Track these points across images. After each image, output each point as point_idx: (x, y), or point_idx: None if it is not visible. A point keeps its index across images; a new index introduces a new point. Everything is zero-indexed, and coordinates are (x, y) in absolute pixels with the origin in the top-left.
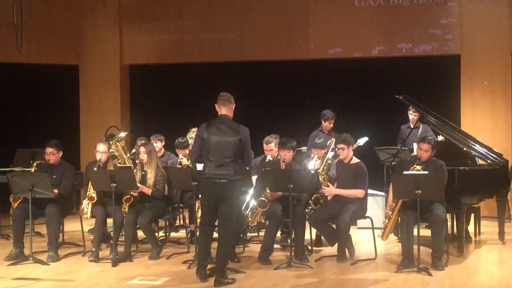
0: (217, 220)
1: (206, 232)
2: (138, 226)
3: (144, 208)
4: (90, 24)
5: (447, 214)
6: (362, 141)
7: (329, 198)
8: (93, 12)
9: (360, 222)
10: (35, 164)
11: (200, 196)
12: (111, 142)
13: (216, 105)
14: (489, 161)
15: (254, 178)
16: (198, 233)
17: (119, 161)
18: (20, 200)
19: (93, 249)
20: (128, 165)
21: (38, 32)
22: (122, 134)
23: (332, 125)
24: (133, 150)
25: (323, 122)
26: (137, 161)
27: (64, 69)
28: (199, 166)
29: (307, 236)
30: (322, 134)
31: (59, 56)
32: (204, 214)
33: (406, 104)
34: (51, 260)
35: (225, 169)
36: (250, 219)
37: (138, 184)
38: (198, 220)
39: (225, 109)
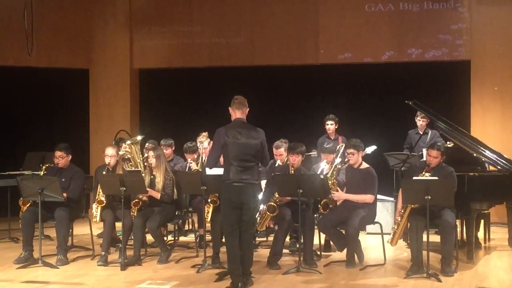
0: (241, 228)
1: (235, 239)
2: (147, 230)
3: (153, 212)
4: (100, 28)
5: (457, 220)
6: (370, 149)
7: (338, 203)
8: (103, 16)
9: (369, 228)
10: (44, 167)
11: (220, 201)
12: (126, 144)
13: (230, 108)
14: (499, 167)
15: (263, 182)
16: (228, 243)
17: (131, 163)
18: (29, 204)
19: (102, 252)
20: (138, 168)
21: (49, 36)
22: (138, 138)
23: (333, 127)
24: (146, 155)
25: (326, 126)
26: (145, 163)
27: (74, 73)
28: (208, 171)
29: (316, 241)
30: (328, 140)
31: (69, 60)
32: (229, 220)
33: (416, 110)
34: (60, 263)
35: (249, 173)
36: (259, 224)
37: (147, 188)
38: (208, 225)
39: (239, 113)
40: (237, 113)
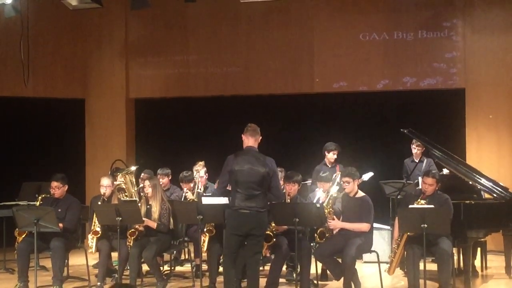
0: (247, 254)
1: (232, 262)
2: (143, 260)
3: (149, 242)
4: (96, 58)
5: (453, 248)
6: (366, 176)
7: (334, 232)
8: (100, 46)
9: (366, 256)
10: (40, 197)
11: (226, 228)
12: (120, 174)
13: (243, 135)
14: (495, 195)
15: None
16: (224, 264)
17: (126, 194)
18: (25, 234)
19: (98, 283)
20: (133, 198)
21: (45, 66)
22: (133, 168)
23: (335, 156)
24: (141, 185)
25: (326, 154)
26: (141, 193)
27: (70, 103)
28: (204, 200)
29: (312, 270)
30: (326, 168)
31: (65, 90)
32: (230, 243)
33: (411, 138)
34: None
35: (254, 201)
36: None
37: (144, 218)
38: (204, 254)
39: (252, 140)
40: (250, 140)
